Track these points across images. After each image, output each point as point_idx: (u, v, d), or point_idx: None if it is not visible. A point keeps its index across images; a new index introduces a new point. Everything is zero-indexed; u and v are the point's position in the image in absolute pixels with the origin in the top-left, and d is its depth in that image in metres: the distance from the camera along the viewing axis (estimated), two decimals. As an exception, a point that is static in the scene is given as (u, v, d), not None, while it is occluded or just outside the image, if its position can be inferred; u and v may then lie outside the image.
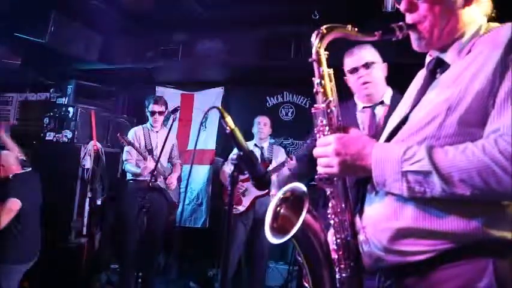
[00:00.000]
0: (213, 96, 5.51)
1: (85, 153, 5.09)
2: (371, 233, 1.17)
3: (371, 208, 1.20)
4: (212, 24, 4.49)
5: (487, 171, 0.95)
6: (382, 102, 2.29)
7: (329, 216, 1.25)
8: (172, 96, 5.56)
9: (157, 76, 5.54)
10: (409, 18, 1.22)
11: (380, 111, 2.27)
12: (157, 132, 4.44)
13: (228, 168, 4.49)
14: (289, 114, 5.34)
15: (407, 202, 1.08)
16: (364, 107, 2.32)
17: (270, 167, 4.26)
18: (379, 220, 1.14)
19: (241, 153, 1.43)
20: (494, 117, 1.01)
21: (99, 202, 5.37)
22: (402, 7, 1.22)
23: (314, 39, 1.23)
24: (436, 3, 1.16)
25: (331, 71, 1.26)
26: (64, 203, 4.82)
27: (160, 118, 4.37)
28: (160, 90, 5.71)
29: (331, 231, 1.27)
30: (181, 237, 5.33)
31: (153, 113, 4.33)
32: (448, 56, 1.19)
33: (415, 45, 1.24)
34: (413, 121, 1.16)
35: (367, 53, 2.27)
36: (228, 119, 1.42)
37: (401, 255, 1.09)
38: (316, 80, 1.25)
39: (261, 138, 4.50)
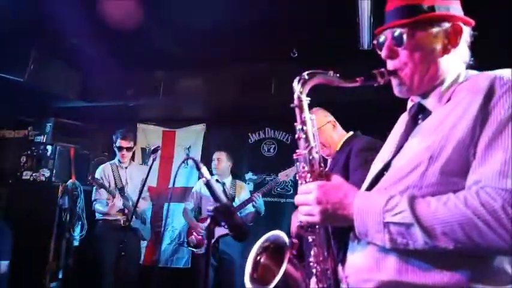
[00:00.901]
0: (194, 133, 5.50)
1: (63, 193, 4.97)
2: (353, 283, 1.15)
3: (353, 257, 1.18)
4: (193, 62, 4.52)
5: (469, 224, 0.94)
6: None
7: (311, 264, 1.23)
8: (154, 133, 5.53)
9: (138, 113, 5.51)
10: (390, 64, 1.23)
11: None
12: (126, 168, 4.37)
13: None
14: (271, 150, 5.34)
15: (390, 253, 1.06)
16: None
17: (234, 205, 4.24)
18: (362, 270, 1.13)
19: (218, 204, 1.39)
20: (476, 168, 1.01)
21: (76, 243, 5.21)
22: (383, 54, 1.24)
23: (296, 85, 1.24)
24: (417, 51, 1.17)
25: (313, 116, 1.27)
26: (40, 245, 4.64)
27: (128, 154, 4.32)
28: (141, 127, 5.67)
29: (314, 279, 1.24)
30: (162, 278, 5.15)
31: (120, 149, 4.28)
32: (429, 103, 1.20)
33: (396, 91, 1.25)
34: (396, 169, 1.16)
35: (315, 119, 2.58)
36: (204, 170, 1.39)
37: None
38: (297, 126, 1.25)
39: (218, 174, 4.47)
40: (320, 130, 2.49)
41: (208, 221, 1.35)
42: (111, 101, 5.09)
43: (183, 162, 1.44)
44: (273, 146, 5.35)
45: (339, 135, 2.58)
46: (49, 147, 5.00)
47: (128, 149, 4.30)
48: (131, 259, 4.12)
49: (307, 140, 1.24)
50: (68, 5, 3.54)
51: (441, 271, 1.00)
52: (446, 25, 1.18)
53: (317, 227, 1.20)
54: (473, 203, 0.95)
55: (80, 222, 5.35)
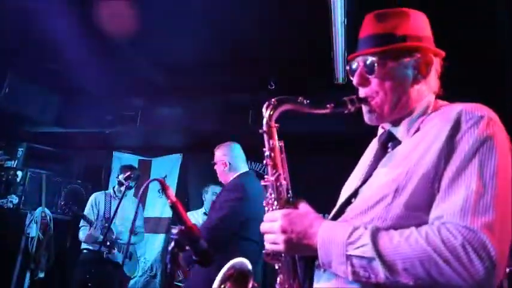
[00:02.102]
0: (171, 162, 5.44)
1: (31, 221, 4.79)
2: None
3: (319, 286, 1.15)
4: (171, 91, 4.54)
5: (429, 261, 0.94)
6: None
7: None
8: (130, 162, 5.44)
9: (114, 141, 5.45)
10: (362, 92, 1.23)
11: None
12: (117, 198, 4.23)
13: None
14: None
15: (354, 284, 1.04)
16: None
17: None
18: None
19: (183, 227, 1.35)
20: (439, 203, 1.00)
21: (42, 275, 4.98)
22: (354, 81, 1.24)
23: (265, 111, 1.22)
24: (387, 80, 1.18)
25: (281, 143, 1.26)
26: (3, 274, 4.42)
27: (121, 189, 4.15)
28: (117, 156, 5.59)
29: None
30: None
31: (120, 184, 4.17)
32: (398, 132, 1.21)
33: (366, 118, 1.24)
34: (363, 198, 1.16)
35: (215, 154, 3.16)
36: (170, 192, 1.36)
37: None
38: (266, 152, 1.24)
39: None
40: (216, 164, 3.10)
41: (172, 244, 1.30)
42: (88, 128, 5.02)
43: (147, 183, 1.40)
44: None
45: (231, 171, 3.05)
46: (19, 173, 4.85)
47: (128, 187, 4.14)
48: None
49: (274, 166, 1.23)
50: (49, 29, 3.55)
51: None
52: (417, 56, 1.18)
53: (282, 255, 1.18)
54: (434, 239, 0.95)
55: (46, 253, 5.15)
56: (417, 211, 1.02)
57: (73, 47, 3.83)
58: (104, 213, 4.15)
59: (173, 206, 1.37)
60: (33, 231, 4.78)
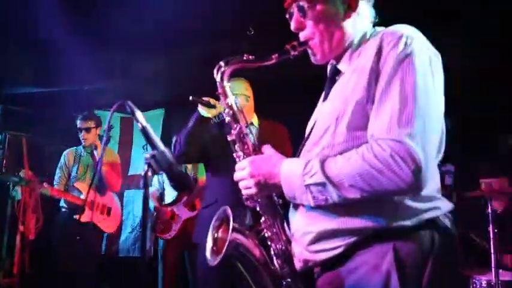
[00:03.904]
0: (153, 118, 5.35)
1: (15, 184, 4.72)
2: (298, 238, 1.28)
3: (294, 217, 1.31)
4: (150, 45, 4.39)
5: (367, 174, 1.07)
6: (252, 123, 2.76)
7: (264, 230, 1.37)
8: (112, 119, 5.35)
9: (95, 99, 5.31)
10: (301, 36, 1.32)
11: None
12: (90, 153, 4.15)
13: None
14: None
15: (318, 209, 1.19)
16: None
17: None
18: (300, 226, 1.26)
19: (155, 152, 1.31)
20: (371, 123, 1.12)
21: (32, 237, 4.98)
22: (292, 26, 1.33)
23: (216, 74, 1.39)
24: (320, 20, 1.27)
25: (237, 99, 1.43)
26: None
27: (89, 136, 4.05)
28: (98, 114, 5.46)
29: (269, 243, 1.36)
30: (124, 267, 5.00)
31: (79, 131, 4.06)
32: (341, 65, 1.31)
33: (312, 59, 1.34)
34: (315, 132, 1.29)
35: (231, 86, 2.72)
36: (139, 114, 1.31)
37: (320, 253, 1.20)
38: (225, 110, 1.41)
39: None
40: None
41: (145, 168, 1.27)
42: (66, 86, 4.87)
43: (114, 108, 1.35)
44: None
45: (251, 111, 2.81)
46: (-2, 136, 4.73)
47: (87, 130, 4.03)
48: (90, 251, 3.94)
49: (235, 121, 1.38)
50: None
51: (359, 216, 1.14)
52: None
53: (256, 197, 1.34)
54: (368, 155, 1.08)
55: (35, 215, 5.13)
56: (357, 132, 1.15)
57: (47, 4, 3.67)
58: (77, 169, 4.07)
59: (144, 130, 1.33)
60: (18, 194, 4.72)
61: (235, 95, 2.56)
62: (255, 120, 2.78)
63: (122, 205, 5.15)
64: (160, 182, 4.40)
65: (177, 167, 1.37)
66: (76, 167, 4.08)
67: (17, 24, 4.09)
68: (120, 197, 5.11)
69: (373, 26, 1.34)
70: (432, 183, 1.15)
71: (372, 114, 1.12)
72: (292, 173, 1.19)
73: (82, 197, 3.94)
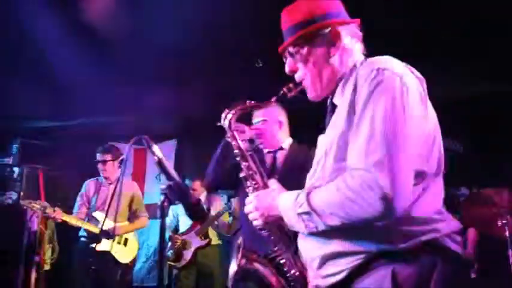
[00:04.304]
0: (166, 149, 5.47)
1: (32, 215, 4.83)
2: (308, 265, 1.33)
3: (301, 244, 1.36)
4: (162, 78, 4.56)
5: (342, 203, 1.13)
6: (281, 148, 2.75)
7: (277, 257, 1.46)
8: (125, 151, 5.47)
9: (109, 131, 5.47)
10: (296, 77, 1.40)
11: (280, 155, 2.72)
12: (110, 184, 4.19)
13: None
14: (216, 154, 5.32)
15: (319, 235, 1.24)
16: (268, 151, 2.77)
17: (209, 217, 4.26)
18: (308, 252, 1.32)
19: (171, 182, 1.40)
20: (348, 154, 1.18)
21: (47, 267, 5.05)
22: (287, 71, 1.41)
23: (223, 121, 1.55)
24: (308, 62, 1.34)
25: (245, 141, 1.68)
26: (8, 270, 4.46)
27: (106, 168, 4.13)
28: (113, 146, 5.61)
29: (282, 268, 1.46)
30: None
31: (96, 163, 4.14)
32: (335, 99, 1.36)
33: (309, 97, 1.42)
34: (313, 165, 1.37)
35: (262, 112, 2.73)
36: (155, 148, 1.41)
37: (329, 277, 1.23)
38: (235, 151, 1.55)
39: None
40: (266, 122, 2.73)
41: (162, 198, 1.36)
42: (80, 120, 5.04)
43: (132, 141, 1.45)
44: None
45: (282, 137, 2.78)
46: (15, 169, 4.88)
47: (103, 162, 4.10)
48: (106, 282, 3.96)
49: (245, 160, 1.53)
50: (40, 21, 3.56)
51: (356, 240, 1.18)
52: (326, 31, 1.32)
53: (266, 228, 1.43)
54: (342, 185, 1.14)
55: (50, 245, 5.21)
56: (343, 162, 1.19)
57: (61, 41, 3.85)
58: (95, 200, 4.12)
59: (160, 162, 1.42)
60: (35, 225, 4.81)
61: (266, 121, 2.69)
62: (286, 144, 2.78)
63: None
64: (174, 215, 4.50)
65: (192, 197, 1.46)
66: (96, 197, 4.13)
67: (33, 61, 4.27)
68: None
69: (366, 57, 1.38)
70: (425, 205, 1.17)
71: (349, 146, 1.18)
72: (287, 204, 1.28)
73: (99, 226, 3.98)
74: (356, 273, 1.18)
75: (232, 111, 1.51)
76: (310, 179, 1.34)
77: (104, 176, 4.16)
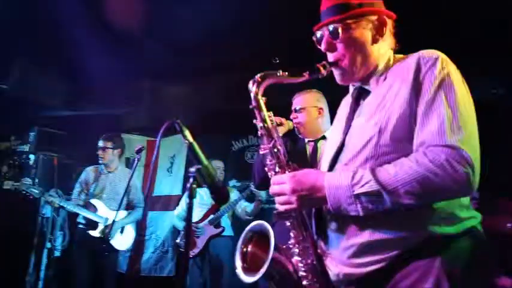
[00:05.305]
0: (179, 142, 5.54)
1: (45, 202, 4.92)
2: (337, 253, 1.28)
3: (332, 231, 1.31)
4: (178, 71, 4.62)
5: (424, 179, 1.11)
6: (324, 137, 2.61)
7: (292, 246, 1.36)
8: (138, 142, 5.55)
9: (123, 123, 5.55)
10: (330, 57, 1.39)
11: (322, 145, 2.57)
12: (109, 172, 4.21)
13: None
14: (255, 157, 5.40)
15: (361, 220, 1.20)
16: (308, 141, 2.64)
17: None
18: (341, 240, 1.27)
19: (200, 166, 1.45)
20: (419, 132, 1.19)
21: (58, 254, 5.13)
22: (323, 47, 1.40)
23: (251, 87, 1.37)
24: (351, 42, 1.35)
25: (271, 113, 1.40)
26: (20, 255, 4.56)
27: (105, 155, 4.13)
28: (126, 137, 5.69)
29: (297, 258, 1.35)
30: (146, 287, 5.09)
31: (97, 149, 4.16)
32: (369, 86, 1.38)
33: (338, 79, 1.41)
34: (351, 146, 1.32)
35: (300, 99, 2.65)
36: (187, 133, 1.47)
37: (364, 266, 1.21)
38: (259, 124, 1.39)
39: None
40: (305, 110, 2.61)
41: (191, 180, 1.40)
42: (97, 110, 5.12)
43: (166, 125, 1.50)
44: (257, 153, 5.42)
45: (324, 123, 2.64)
46: (32, 156, 4.97)
47: (103, 149, 4.12)
48: (109, 269, 4.02)
49: (269, 135, 1.38)
50: (58, 12, 3.62)
51: (404, 225, 1.17)
52: (373, 18, 1.35)
53: (293, 212, 1.33)
54: (423, 161, 1.12)
55: (62, 233, 5.30)
56: (402, 143, 1.20)
57: (82, 30, 3.90)
58: (94, 187, 4.15)
59: (190, 146, 1.48)
60: (48, 212, 4.89)
61: (304, 108, 2.56)
62: (328, 132, 2.59)
63: (145, 225, 5.30)
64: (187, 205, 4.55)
65: (219, 181, 1.51)
66: (95, 184, 4.16)
67: (53, 52, 4.34)
68: (144, 217, 5.27)
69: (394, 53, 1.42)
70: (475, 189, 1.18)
71: (418, 126, 1.18)
72: (339, 184, 1.20)
73: (97, 213, 4.03)
74: (399, 261, 1.16)
75: (263, 79, 1.36)
76: (352, 159, 1.28)
77: (103, 163, 4.17)
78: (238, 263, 1.41)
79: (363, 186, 1.16)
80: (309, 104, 2.63)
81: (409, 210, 1.14)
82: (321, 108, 2.64)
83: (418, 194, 1.11)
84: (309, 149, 2.63)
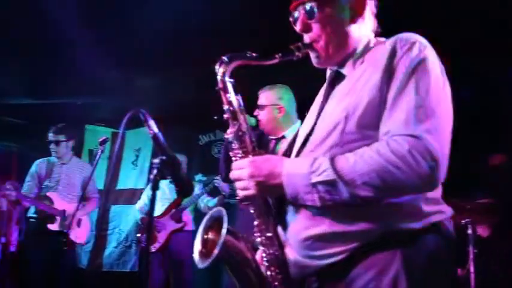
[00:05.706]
0: (144, 135, 5.42)
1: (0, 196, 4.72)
2: (295, 244, 1.21)
3: (292, 220, 1.24)
4: (146, 62, 4.53)
5: (383, 171, 1.04)
6: (283, 137, 2.58)
7: (255, 234, 1.28)
8: (103, 134, 5.41)
9: (87, 114, 5.39)
10: (306, 38, 1.32)
11: (282, 143, 2.55)
12: (63, 164, 4.10)
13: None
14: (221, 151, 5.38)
15: (320, 211, 1.15)
16: (271, 138, 2.65)
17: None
18: (299, 230, 1.20)
19: (164, 157, 1.42)
20: (385, 120, 1.12)
21: (13, 248, 4.95)
22: (298, 28, 1.32)
23: (218, 68, 1.29)
24: (327, 23, 1.27)
25: (239, 97, 1.33)
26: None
27: (59, 149, 4.03)
28: (90, 129, 5.55)
29: (261, 248, 1.29)
30: (108, 282, 4.98)
31: (49, 143, 4.04)
32: (344, 69, 1.30)
33: (314, 62, 1.34)
34: (318, 132, 1.25)
35: (262, 96, 2.62)
36: (152, 123, 1.43)
37: (321, 259, 1.15)
38: (224, 107, 1.32)
39: None
40: (265, 108, 2.59)
41: (155, 172, 1.37)
42: (60, 100, 4.94)
43: (130, 115, 1.46)
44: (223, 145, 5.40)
45: (286, 122, 2.58)
46: (-12, 146, 4.76)
47: (56, 143, 4.01)
48: (67, 265, 3.91)
49: (235, 118, 1.30)
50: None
51: (363, 217, 1.11)
52: None
53: (254, 199, 1.26)
54: (384, 152, 1.05)
55: (18, 227, 5.11)
56: (368, 131, 1.13)
57: (47, 16, 3.76)
58: (47, 180, 4.05)
59: (154, 137, 1.44)
60: (4, 205, 4.71)
61: (264, 106, 2.52)
62: (289, 132, 2.53)
63: (108, 220, 5.18)
64: (149, 197, 4.47)
65: (184, 173, 1.49)
66: (49, 177, 4.03)
67: (14, 35, 4.15)
68: (107, 211, 5.15)
69: (375, 36, 1.34)
70: (439, 185, 1.13)
71: (386, 113, 1.12)
72: (297, 171, 1.14)
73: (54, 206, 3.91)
74: (358, 254, 1.11)
75: (231, 61, 1.28)
76: (317, 146, 1.22)
77: (57, 156, 4.07)
78: (198, 247, 1.36)
79: (320, 174, 1.09)
80: (269, 101, 2.59)
81: (368, 204, 1.08)
82: (281, 107, 2.58)
83: (377, 186, 1.05)
84: (271, 146, 2.62)
